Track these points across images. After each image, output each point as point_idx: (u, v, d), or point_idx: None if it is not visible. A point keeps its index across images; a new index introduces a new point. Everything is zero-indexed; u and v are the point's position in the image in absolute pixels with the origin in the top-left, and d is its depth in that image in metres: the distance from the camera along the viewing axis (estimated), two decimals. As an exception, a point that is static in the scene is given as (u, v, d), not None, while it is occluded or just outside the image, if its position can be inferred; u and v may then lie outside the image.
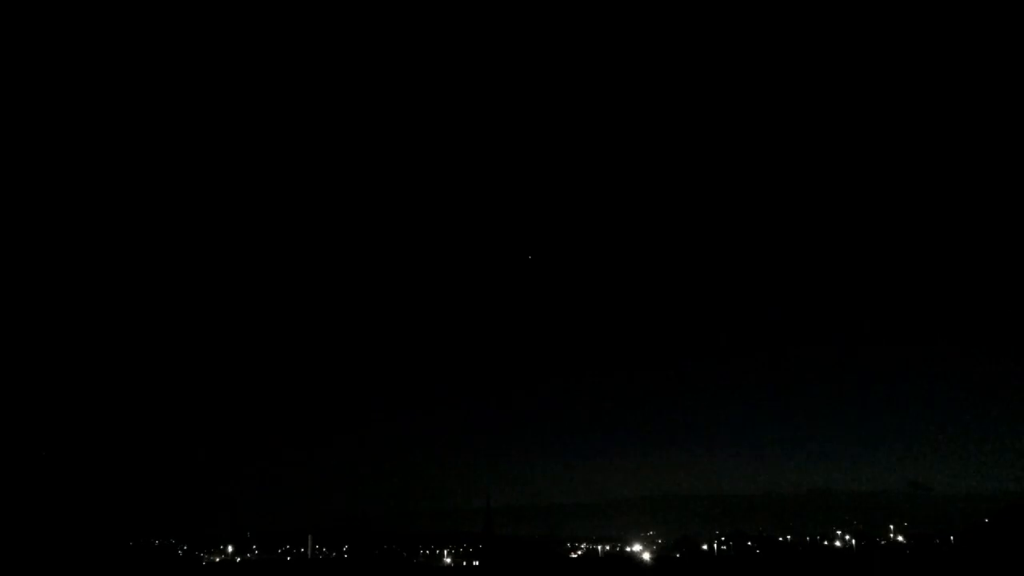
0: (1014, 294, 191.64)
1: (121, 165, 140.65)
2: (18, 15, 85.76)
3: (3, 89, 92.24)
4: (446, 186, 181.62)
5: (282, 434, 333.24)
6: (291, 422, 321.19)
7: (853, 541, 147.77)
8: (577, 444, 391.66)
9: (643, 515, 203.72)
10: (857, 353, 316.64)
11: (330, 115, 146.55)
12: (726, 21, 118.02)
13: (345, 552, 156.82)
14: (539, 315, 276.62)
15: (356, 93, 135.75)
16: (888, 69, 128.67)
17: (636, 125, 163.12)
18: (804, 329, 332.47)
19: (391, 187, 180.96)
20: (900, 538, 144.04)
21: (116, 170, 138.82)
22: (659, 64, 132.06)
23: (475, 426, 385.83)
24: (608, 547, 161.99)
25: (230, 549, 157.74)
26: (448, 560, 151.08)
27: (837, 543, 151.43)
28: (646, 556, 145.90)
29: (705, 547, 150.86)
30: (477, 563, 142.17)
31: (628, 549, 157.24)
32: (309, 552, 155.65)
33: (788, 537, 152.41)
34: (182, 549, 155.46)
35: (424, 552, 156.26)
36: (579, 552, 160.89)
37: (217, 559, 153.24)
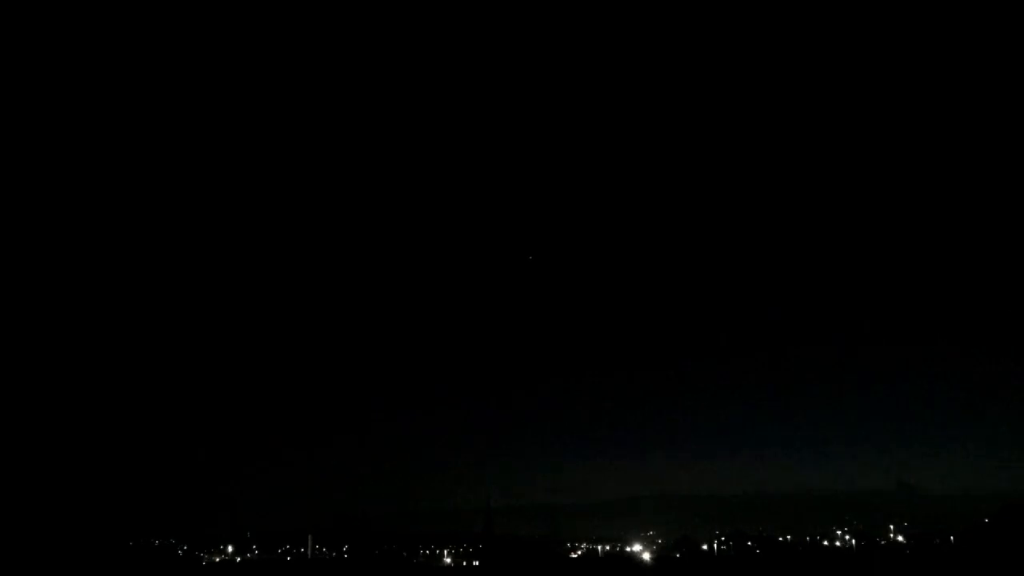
0: (1014, 294, 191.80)
1: (120, 165, 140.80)
2: (18, 15, 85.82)
3: (3, 89, 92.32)
4: (446, 186, 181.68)
5: (282, 434, 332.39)
6: (291, 422, 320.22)
7: (853, 541, 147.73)
8: (577, 444, 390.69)
9: (643, 515, 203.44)
10: (857, 353, 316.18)
11: (330, 115, 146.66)
12: (726, 21, 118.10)
13: (345, 552, 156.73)
14: (539, 315, 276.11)
15: (356, 93, 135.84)
16: (888, 69, 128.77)
17: (636, 125, 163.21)
18: (804, 329, 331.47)
19: (391, 187, 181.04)
20: (900, 538, 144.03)
21: (115, 170, 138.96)
22: (659, 64, 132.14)
23: (475, 426, 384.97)
24: (608, 547, 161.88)
25: (230, 549, 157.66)
26: (448, 560, 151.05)
27: (837, 543, 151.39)
28: (646, 556, 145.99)
29: (705, 547, 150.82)
30: (477, 563, 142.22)
31: (628, 549, 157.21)
32: (309, 552, 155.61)
33: (788, 537, 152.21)
34: (182, 549, 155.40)
35: (424, 552, 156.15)
36: (579, 552, 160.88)
37: (217, 559, 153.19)
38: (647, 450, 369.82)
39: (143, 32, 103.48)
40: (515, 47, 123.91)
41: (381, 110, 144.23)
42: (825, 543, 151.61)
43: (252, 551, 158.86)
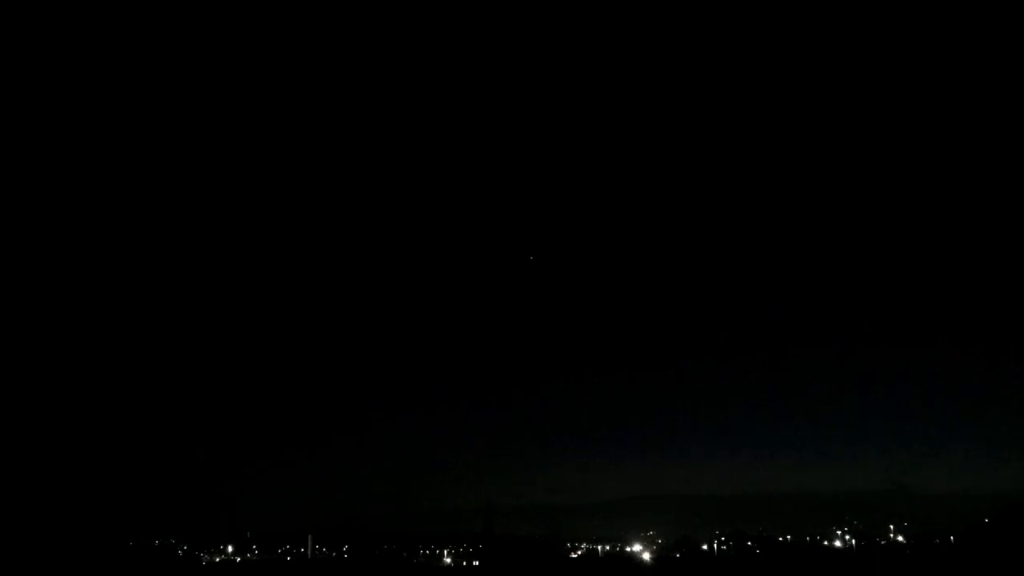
0: (1014, 294, 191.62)
1: (120, 164, 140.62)
2: (18, 15, 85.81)
3: (3, 89, 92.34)
4: (446, 186, 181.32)
5: (282, 434, 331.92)
6: (291, 422, 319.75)
7: (853, 541, 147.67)
8: (577, 444, 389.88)
9: (643, 515, 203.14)
10: (857, 353, 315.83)
11: (329, 115, 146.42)
12: (725, 21, 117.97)
13: (345, 552, 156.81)
14: (539, 315, 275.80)
15: (355, 93, 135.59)
16: (887, 69, 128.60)
17: (635, 125, 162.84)
18: (804, 329, 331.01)
19: (390, 187, 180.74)
20: (900, 538, 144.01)
21: (115, 169, 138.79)
22: (658, 64, 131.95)
23: (475, 426, 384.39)
24: (608, 547, 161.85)
25: (230, 549, 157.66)
26: (448, 560, 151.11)
27: (837, 543, 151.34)
28: (646, 556, 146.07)
29: (705, 547, 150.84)
30: (477, 563, 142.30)
31: (628, 549, 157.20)
32: (309, 552, 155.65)
33: (788, 537, 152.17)
34: (182, 549, 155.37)
35: (424, 552, 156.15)
36: (579, 552, 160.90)
37: (217, 559, 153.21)
38: (647, 450, 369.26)
39: (143, 32, 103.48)
40: (515, 47, 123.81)
41: (380, 110, 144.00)
42: (825, 543, 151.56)
43: (252, 551, 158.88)
